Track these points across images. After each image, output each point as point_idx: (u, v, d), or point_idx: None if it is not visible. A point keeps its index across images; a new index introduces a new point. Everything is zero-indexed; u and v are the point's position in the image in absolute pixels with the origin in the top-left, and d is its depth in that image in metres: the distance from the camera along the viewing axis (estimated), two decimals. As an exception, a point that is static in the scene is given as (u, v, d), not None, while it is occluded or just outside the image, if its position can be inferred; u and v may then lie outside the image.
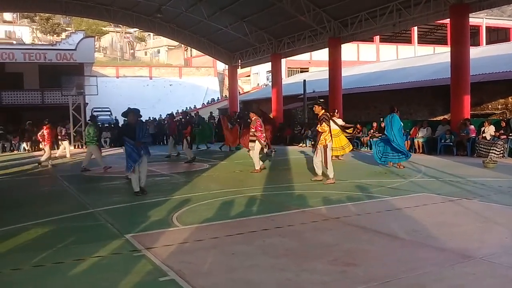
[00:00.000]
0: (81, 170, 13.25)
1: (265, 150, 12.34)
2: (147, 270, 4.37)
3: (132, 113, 9.02)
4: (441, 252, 4.66)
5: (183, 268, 4.37)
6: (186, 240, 5.40)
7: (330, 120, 12.84)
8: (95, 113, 36.73)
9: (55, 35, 59.92)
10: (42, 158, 15.29)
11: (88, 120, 17.99)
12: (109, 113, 37.42)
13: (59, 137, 18.58)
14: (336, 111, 15.25)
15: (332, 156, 14.00)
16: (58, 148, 19.83)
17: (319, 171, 9.93)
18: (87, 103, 31.40)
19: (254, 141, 11.99)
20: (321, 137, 9.72)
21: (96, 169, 13.50)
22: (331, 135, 9.89)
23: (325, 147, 9.73)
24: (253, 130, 12.00)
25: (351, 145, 14.66)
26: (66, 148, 18.92)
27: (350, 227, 5.87)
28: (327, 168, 9.76)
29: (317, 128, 9.96)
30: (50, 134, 15.67)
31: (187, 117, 18.59)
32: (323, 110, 9.96)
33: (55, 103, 30.25)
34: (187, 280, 4.05)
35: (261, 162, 12.19)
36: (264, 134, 12.02)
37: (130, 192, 9.08)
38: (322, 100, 10.71)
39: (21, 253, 5.13)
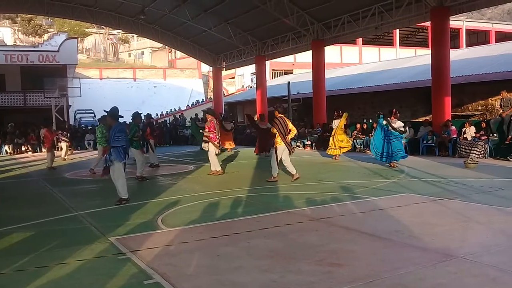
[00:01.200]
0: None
1: (217, 151, 12.22)
2: (132, 273, 4.36)
3: (108, 116, 8.54)
4: (424, 252, 4.73)
5: (168, 271, 4.36)
6: (171, 243, 5.39)
7: (336, 120, 14.35)
8: (78, 115, 36.42)
9: (37, 37, 59.09)
10: (49, 164, 15.22)
11: (98, 119, 17.89)
12: (92, 115, 37.02)
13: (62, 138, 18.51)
14: (339, 113, 15.46)
15: (336, 156, 14.66)
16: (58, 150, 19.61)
17: (292, 170, 10.38)
18: (70, 105, 31.13)
19: (207, 142, 12.04)
20: (275, 139, 10.41)
21: (83, 171, 13.38)
22: (284, 138, 10.28)
23: (275, 148, 10.37)
24: (206, 130, 12.06)
25: (348, 147, 15.09)
26: (62, 150, 18.79)
27: (335, 228, 5.92)
28: (271, 167, 10.46)
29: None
30: (49, 136, 15.52)
31: (151, 119, 18.49)
32: (280, 114, 10.54)
33: (38, 105, 29.86)
34: (172, 283, 4.05)
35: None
36: (218, 136, 11.99)
37: (114, 194, 9.00)
38: (279, 105, 11.25)
39: (3, 257, 5.06)
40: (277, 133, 10.27)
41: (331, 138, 14.86)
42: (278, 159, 10.36)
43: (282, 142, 10.29)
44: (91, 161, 14.31)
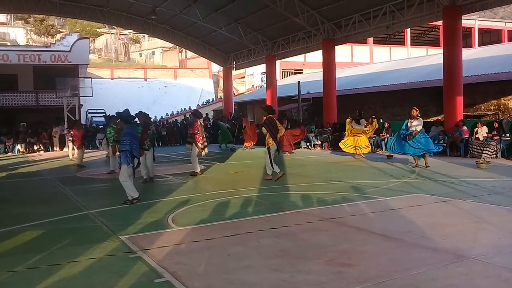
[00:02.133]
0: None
1: (203, 152, 12.24)
2: (143, 272, 4.38)
3: (119, 119, 8.61)
4: (435, 252, 4.70)
5: (179, 269, 4.38)
6: (182, 242, 5.42)
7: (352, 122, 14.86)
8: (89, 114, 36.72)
9: (49, 37, 59.58)
10: (77, 162, 15.47)
11: (105, 119, 17.70)
12: (103, 114, 37.24)
13: (69, 138, 18.56)
14: (361, 114, 15.68)
15: (361, 154, 15.04)
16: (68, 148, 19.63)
17: (269, 170, 10.72)
18: (82, 105, 31.32)
19: (191, 143, 12.18)
20: (266, 139, 10.76)
21: (94, 170, 13.44)
22: (275, 138, 10.66)
23: (268, 148, 10.65)
24: (190, 132, 12.24)
25: (368, 148, 15.42)
26: (69, 149, 18.91)
27: (345, 228, 5.90)
28: (272, 167, 10.65)
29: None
30: (78, 134, 15.75)
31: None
32: (269, 115, 10.93)
33: (50, 105, 30.14)
34: (183, 281, 4.06)
35: (201, 166, 12.39)
36: (202, 137, 12.03)
37: (125, 193, 9.06)
38: (267, 107, 11.86)
39: (16, 255, 5.12)
40: (268, 133, 10.61)
41: (352, 138, 14.99)
42: (272, 159, 10.64)
43: (274, 142, 10.64)
44: (102, 160, 14.38)
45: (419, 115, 12.18)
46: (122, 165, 8.07)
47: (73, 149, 18.58)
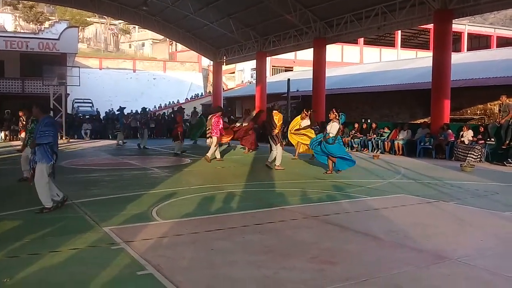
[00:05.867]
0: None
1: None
2: (125, 264, 4.34)
3: (34, 106, 7.14)
4: (418, 253, 4.74)
5: (162, 262, 4.35)
6: (165, 235, 5.38)
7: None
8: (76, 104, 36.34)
9: (38, 24, 58.85)
10: None
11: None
12: (90, 104, 36.97)
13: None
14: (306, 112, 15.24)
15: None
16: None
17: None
18: (69, 94, 31.01)
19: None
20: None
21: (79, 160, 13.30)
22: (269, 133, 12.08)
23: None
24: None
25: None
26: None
27: (329, 226, 5.92)
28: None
29: None
30: None
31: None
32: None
33: (36, 93, 29.79)
34: (166, 274, 4.03)
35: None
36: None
37: (110, 184, 8.99)
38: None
39: (-4, 244, 5.04)
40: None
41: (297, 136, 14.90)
42: None
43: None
44: (87, 151, 14.23)
45: (336, 117, 11.25)
46: (39, 163, 6.62)
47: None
